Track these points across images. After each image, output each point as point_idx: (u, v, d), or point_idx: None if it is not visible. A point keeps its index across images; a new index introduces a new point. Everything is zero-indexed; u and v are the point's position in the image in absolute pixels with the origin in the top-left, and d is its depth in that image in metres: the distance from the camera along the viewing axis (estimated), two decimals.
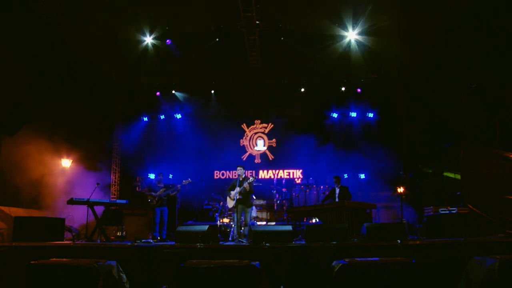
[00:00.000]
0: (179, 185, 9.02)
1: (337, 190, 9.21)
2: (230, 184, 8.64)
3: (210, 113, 13.85)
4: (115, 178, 13.08)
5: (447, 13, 9.15)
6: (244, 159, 13.71)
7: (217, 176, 13.62)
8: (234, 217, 8.26)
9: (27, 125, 9.46)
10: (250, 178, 8.03)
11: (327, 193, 9.81)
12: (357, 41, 10.72)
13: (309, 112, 13.56)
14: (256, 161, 13.72)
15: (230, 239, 8.58)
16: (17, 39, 8.56)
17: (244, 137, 13.93)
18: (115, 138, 13.26)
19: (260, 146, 13.81)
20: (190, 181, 8.99)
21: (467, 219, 7.19)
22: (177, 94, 13.32)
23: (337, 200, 9.04)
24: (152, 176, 12.89)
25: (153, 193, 8.81)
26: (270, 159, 13.71)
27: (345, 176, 12.40)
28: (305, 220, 10.22)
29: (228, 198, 8.44)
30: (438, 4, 9.06)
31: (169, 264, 5.33)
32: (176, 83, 13.22)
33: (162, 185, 9.04)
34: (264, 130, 13.93)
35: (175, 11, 9.83)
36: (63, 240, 7.18)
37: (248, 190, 7.92)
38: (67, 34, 9.97)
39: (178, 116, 13.65)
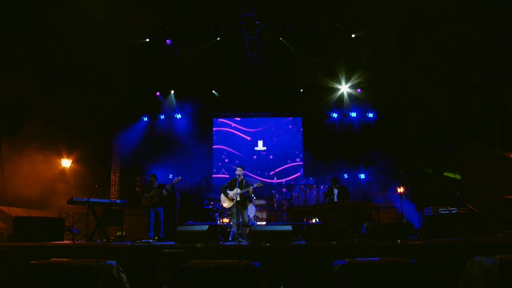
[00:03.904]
0: (168, 184, 8.89)
1: (336, 191, 9.24)
2: (226, 182, 8.48)
3: (210, 113, 13.87)
4: (115, 178, 13.08)
5: (447, 14, 9.16)
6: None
7: (217, 176, 13.62)
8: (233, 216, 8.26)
9: (27, 125, 9.46)
10: (256, 184, 8.06)
11: (327, 192, 9.82)
12: (358, 41, 10.72)
13: (309, 112, 13.58)
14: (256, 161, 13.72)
15: (230, 239, 8.56)
16: (17, 39, 8.56)
17: (244, 137, 13.92)
18: (115, 138, 13.26)
19: (260, 146, 13.81)
20: (180, 179, 8.89)
21: (467, 219, 7.18)
22: (173, 98, 13.32)
23: (335, 200, 9.07)
24: None
25: (146, 194, 8.76)
26: (270, 158, 13.70)
27: (345, 176, 12.40)
28: (305, 220, 10.21)
29: (223, 196, 8.18)
30: (437, 5, 9.06)
31: (169, 264, 5.33)
32: (176, 83, 13.23)
33: (156, 185, 8.94)
34: (264, 130, 13.93)
35: (175, 11, 9.85)
36: (63, 240, 7.17)
37: (250, 194, 8.03)
38: (68, 35, 9.98)
39: (178, 116, 13.66)
